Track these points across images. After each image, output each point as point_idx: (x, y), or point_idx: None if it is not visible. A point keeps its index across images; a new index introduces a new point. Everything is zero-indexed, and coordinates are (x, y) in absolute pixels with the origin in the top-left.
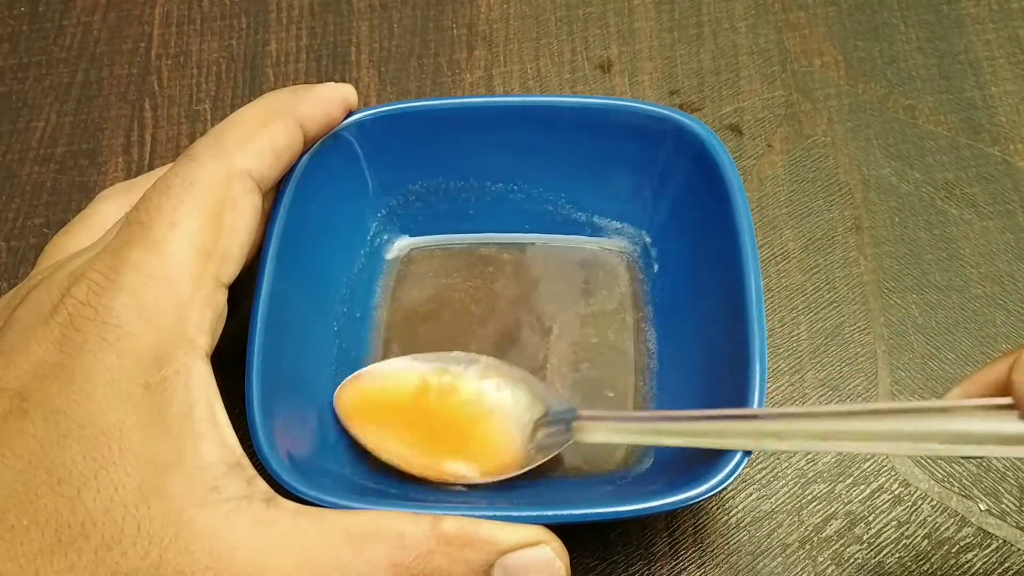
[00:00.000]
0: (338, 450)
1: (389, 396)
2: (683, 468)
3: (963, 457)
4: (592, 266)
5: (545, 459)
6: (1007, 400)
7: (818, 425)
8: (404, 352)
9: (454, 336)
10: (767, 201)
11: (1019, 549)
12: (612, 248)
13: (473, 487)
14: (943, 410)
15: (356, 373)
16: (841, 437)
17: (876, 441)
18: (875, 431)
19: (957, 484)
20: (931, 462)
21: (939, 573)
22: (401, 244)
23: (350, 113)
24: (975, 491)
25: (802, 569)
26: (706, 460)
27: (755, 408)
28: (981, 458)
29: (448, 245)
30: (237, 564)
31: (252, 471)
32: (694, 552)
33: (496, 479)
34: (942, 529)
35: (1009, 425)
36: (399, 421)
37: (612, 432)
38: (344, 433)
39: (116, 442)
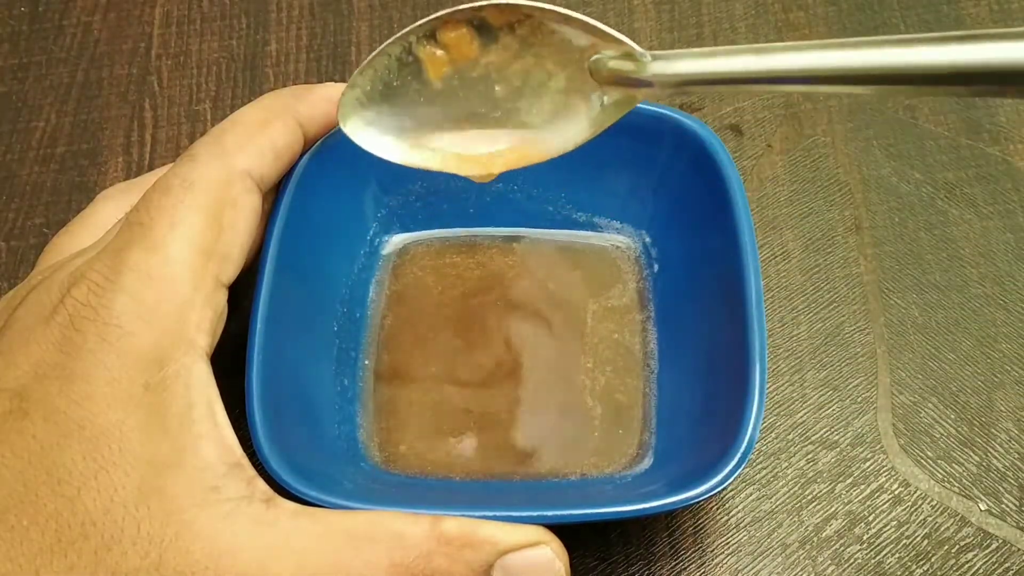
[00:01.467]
0: (338, 450)
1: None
2: (683, 468)
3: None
4: (592, 266)
5: (618, 117)
6: None
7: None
8: (406, 350)
9: (455, 336)
10: (767, 201)
11: (1019, 549)
12: (612, 248)
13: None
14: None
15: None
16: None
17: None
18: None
19: (957, 484)
20: (931, 462)
21: (939, 573)
22: (401, 244)
23: None
24: (975, 491)
25: (802, 569)
26: (706, 460)
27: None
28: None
29: (448, 245)
30: (237, 564)
31: (252, 471)
32: (694, 552)
33: (562, 150)
34: (942, 529)
35: None
36: (433, 100)
37: (686, 61)
38: (346, 428)
39: (116, 442)
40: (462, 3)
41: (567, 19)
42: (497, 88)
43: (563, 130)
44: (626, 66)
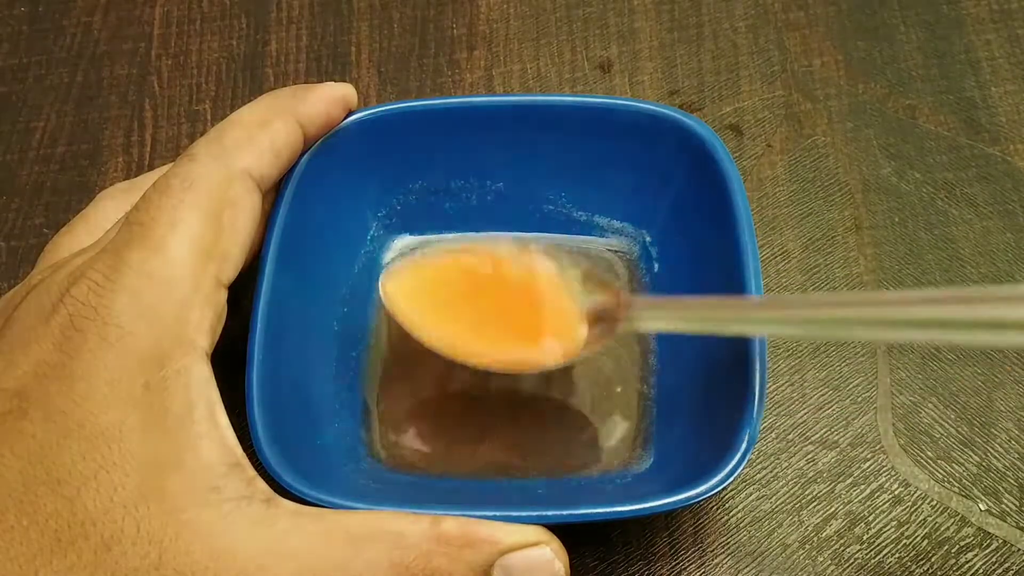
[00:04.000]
0: (338, 450)
1: (440, 280)
2: (683, 468)
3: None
4: (592, 265)
5: (600, 347)
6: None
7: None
8: (407, 350)
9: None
10: (767, 201)
11: (1019, 549)
12: (612, 248)
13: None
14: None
15: (404, 260)
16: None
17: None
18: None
19: (957, 484)
20: (931, 462)
21: (939, 573)
22: (401, 244)
23: (350, 113)
24: (975, 491)
25: (802, 569)
26: (706, 460)
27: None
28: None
29: (449, 244)
30: (237, 564)
31: (252, 471)
32: (694, 552)
33: (549, 367)
34: (942, 529)
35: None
36: (450, 305)
37: (667, 320)
38: (346, 428)
39: (116, 442)
40: (460, 11)
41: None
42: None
43: (553, 351)
44: (610, 311)
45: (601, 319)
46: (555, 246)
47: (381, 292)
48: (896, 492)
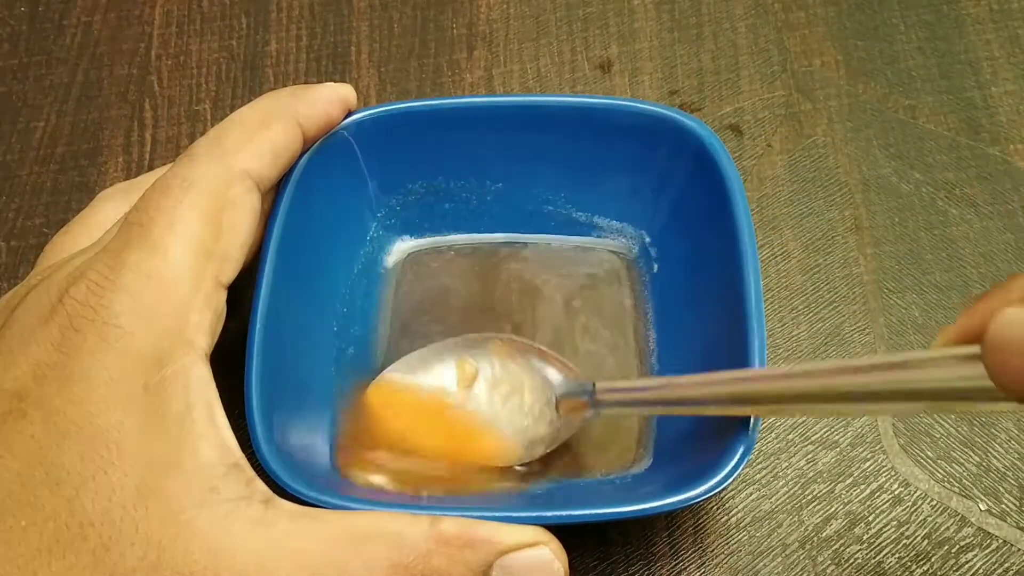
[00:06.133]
0: (337, 450)
1: (413, 403)
2: (683, 468)
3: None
4: (592, 266)
5: (570, 434)
6: (974, 350)
7: (812, 383)
8: (406, 351)
9: (455, 335)
10: (767, 201)
11: (1019, 549)
12: (612, 248)
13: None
14: (904, 364)
15: (388, 374)
16: (831, 399)
17: (869, 403)
18: (868, 385)
19: (957, 484)
20: (931, 462)
21: (939, 573)
22: (401, 244)
23: (349, 113)
24: (975, 491)
25: (802, 569)
26: (706, 460)
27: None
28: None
29: (448, 245)
30: (236, 565)
31: (251, 472)
32: (694, 552)
33: (526, 461)
34: (942, 529)
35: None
36: (426, 421)
37: (629, 406)
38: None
39: (115, 443)
40: (460, 11)
41: (546, 357)
42: (493, 396)
43: (529, 444)
44: (578, 401)
45: (571, 408)
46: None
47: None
48: (896, 492)
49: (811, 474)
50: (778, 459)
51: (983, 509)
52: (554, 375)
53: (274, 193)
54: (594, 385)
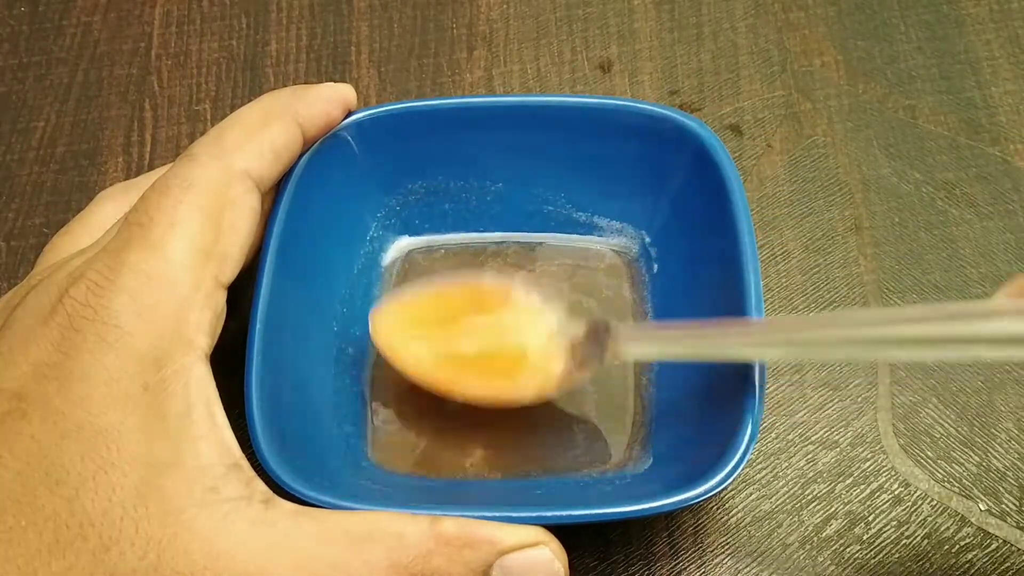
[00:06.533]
0: (337, 450)
1: (423, 318)
2: (683, 468)
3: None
4: (592, 266)
5: (586, 378)
6: None
7: (861, 331)
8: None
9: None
10: (767, 201)
11: (1019, 549)
12: (612, 248)
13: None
14: (986, 314)
15: (392, 296)
16: (884, 344)
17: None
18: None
19: (957, 484)
20: (931, 462)
21: (939, 573)
22: (401, 244)
23: (349, 113)
24: (975, 491)
25: (802, 569)
26: (706, 461)
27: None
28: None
29: (447, 245)
30: (235, 565)
31: (251, 472)
32: (694, 552)
33: (527, 403)
34: (942, 529)
35: None
36: (433, 342)
37: (651, 343)
38: (345, 428)
39: (114, 443)
40: (460, 11)
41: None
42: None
43: (529, 389)
44: (595, 342)
45: (587, 350)
46: (546, 271)
47: (370, 327)
48: (896, 492)
49: (811, 474)
50: (778, 459)
51: (983, 509)
52: (574, 312)
53: (274, 193)
54: (612, 326)
